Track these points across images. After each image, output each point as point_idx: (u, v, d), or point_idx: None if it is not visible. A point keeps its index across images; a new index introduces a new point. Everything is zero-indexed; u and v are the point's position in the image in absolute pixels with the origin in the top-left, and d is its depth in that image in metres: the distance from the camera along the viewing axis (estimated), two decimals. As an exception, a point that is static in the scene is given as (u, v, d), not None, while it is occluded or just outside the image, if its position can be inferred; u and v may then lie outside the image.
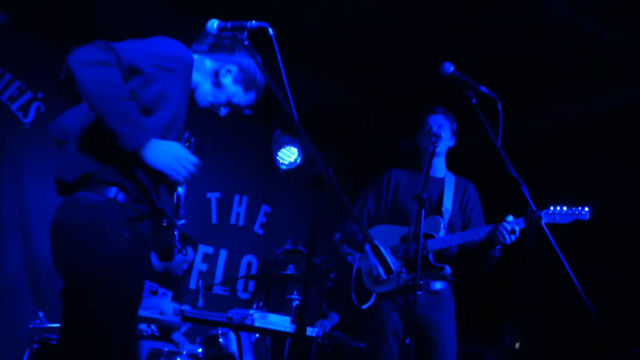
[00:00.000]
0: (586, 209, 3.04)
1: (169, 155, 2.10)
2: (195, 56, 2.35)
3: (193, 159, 2.16)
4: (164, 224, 2.18)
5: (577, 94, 5.34)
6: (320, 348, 4.66)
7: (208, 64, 2.38)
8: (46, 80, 5.15)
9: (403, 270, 3.13)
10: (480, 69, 3.13)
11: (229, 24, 2.30)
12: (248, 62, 2.39)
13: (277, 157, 6.39)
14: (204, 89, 2.38)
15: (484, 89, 2.73)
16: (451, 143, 3.52)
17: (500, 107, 2.72)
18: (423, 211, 2.82)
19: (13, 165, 4.96)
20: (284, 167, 6.44)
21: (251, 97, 2.46)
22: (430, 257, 3.29)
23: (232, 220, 6.36)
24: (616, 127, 5.19)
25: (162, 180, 2.19)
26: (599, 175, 5.14)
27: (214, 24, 2.31)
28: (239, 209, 6.40)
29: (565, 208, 3.05)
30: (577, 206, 3.06)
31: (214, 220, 6.22)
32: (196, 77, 2.35)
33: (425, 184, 2.97)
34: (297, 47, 3.67)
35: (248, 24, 2.27)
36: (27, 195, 4.94)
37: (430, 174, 3.26)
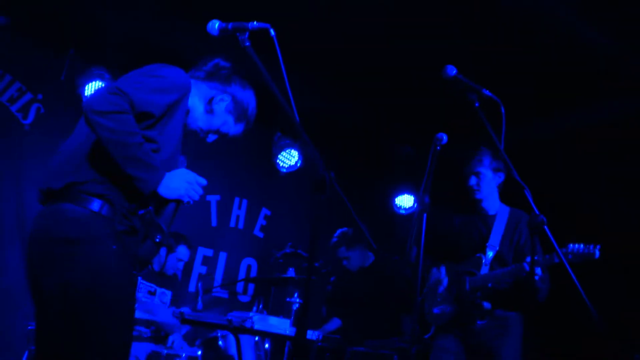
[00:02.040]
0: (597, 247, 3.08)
1: (182, 183, 2.24)
2: (192, 81, 2.44)
3: (201, 180, 2.32)
4: (157, 239, 2.23)
5: (581, 103, 5.31)
6: (319, 351, 4.64)
7: (203, 90, 2.50)
8: (46, 82, 5.16)
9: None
10: (482, 75, 3.10)
11: (230, 25, 2.28)
12: (242, 94, 2.54)
13: (278, 160, 6.38)
14: (197, 113, 2.48)
15: (487, 92, 2.71)
16: (499, 179, 3.60)
17: (503, 110, 2.70)
18: (425, 215, 2.82)
19: (12, 167, 4.95)
20: (284, 170, 6.43)
21: (240, 128, 2.59)
22: (476, 296, 3.42)
23: (232, 223, 6.34)
24: (619, 135, 5.17)
25: (157, 197, 2.22)
26: (602, 181, 5.12)
27: (215, 24, 2.29)
28: (239, 211, 6.38)
29: (576, 247, 3.11)
30: (587, 244, 3.10)
31: (213, 223, 6.20)
32: (191, 101, 2.44)
33: (427, 187, 2.96)
34: (297, 52, 3.65)
35: (250, 25, 2.25)
36: (25, 198, 4.92)
37: (483, 212, 3.61)
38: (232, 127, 2.57)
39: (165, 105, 2.25)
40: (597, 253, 3.06)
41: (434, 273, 3.56)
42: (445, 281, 3.51)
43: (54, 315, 2.06)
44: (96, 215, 2.13)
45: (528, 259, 3.17)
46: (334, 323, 5.27)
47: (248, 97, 2.57)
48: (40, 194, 2.24)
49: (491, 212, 3.62)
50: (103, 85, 5.06)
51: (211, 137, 2.58)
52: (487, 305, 3.40)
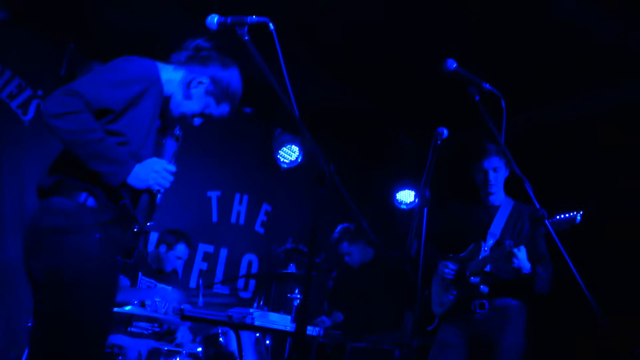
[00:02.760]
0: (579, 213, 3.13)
1: (150, 173, 2.29)
2: (171, 67, 2.50)
3: (171, 168, 2.37)
4: (135, 230, 2.31)
5: (582, 91, 5.28)
6: (320, 347, 4.64)
7: (182, 75, 2.50)
8: (46, 78, 5.14)
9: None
10: (482, 65, 3.09)
11: (229, 19, 2.27)
12: (222, 74, 2.52)
13: (278, 156, 6.37)
14: (177, 100, 2.50)
15: (487, 85, 2.71)
16: (507, 173, 3.65)
17: (503, 104, 2.70)
18: (425, 209, 2.83)
19: (13, 162, 4.94)
20: (285, 166, 6.42)
21: (224, 108, 2.56)
22: (472, 278, 3.45)
23: (233, 219, 6.34)
24: (621, 124, 5.15)
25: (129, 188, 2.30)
26: (602, 172, 5.10)
27: (214, 19, 2.29)
28: (239, 207, 6.38)
29: (559, 217, 3.17)
30: (570, 212, 3.15)
31: (214, 219, 6.20)
32: (171, 87, 2.48)
33: (428, 181, 2.97)
34: (296, 44, 3.64)
35: (248, 19, 2.25)
36: (27, 193, 4.91)
37: (487, 203, 3.66)
38: (215, 109, 2.54)
39: (127, 99, 2.28)
40: (579, 218, 3.10)
41: (441, 265, 3.57)
42: (449, 271, 3.52)
43: (42, 298, 2.22)
44: (81, 207, 2.23)
45: (506, 241, 3.28)
46: (337, 317, 5.27)
47: (229, 76, 2.53)
48: (37, 192, 2.36)
49: (496, 203, 3.67)
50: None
51: (197, 121, 2.57)
52: (483, 288, 3.41)
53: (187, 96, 2.49)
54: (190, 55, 2.52)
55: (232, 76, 2.54)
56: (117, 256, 2.33)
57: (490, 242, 3.52)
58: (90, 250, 2.20)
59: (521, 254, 3.25)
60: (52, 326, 2.18)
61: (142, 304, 4.17)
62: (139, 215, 2.32)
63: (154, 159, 2.34)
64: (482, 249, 3.49)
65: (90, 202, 2.24)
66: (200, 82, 2.48)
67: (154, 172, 2.30)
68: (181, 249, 4.80)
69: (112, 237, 2.28)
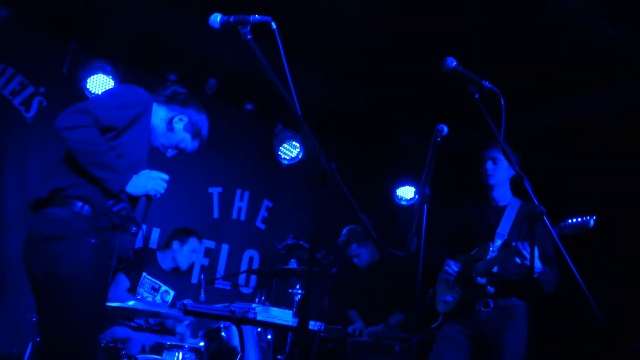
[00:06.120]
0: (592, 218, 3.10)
1: (147, 180, 2.61)
2: (154, 104, 2.84)
3: (164, 176, 2.68)
4: (133, 231, 2.56)
5: (582, 92, 5.29)
6: (322, 342, 4.67)
7: (163, 112, 2.89)
8: (48, 75, 5.17)
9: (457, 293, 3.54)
10: (482, 65, 3.10)
11: (231, 18, 2.30)
12: (197, 116, 2.95)
13: (279, 152, 6.39)
14: (159, 131, 2.87)
15: (486, 83, 2.72)
16: (511, 172, 3.59)
17: (503, 102, 2.71)
18: (425, 206, 2.84)
19: (16, 159, 4.97)
20: (286, 162, 6.44)
21: (195, 144, 3.00)
22: (478, 279, 3.45)
23: (234, 215, 6.37)
24: (620, 124, 5.15)
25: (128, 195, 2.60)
26: (601, 173, 5.11)
27: (216, 18, 2.32)
28: (240, 203, 6.41)
29: (572, 220, 3.13)
30: (582, 216, 3.12)
31: (215, 215, 6.23)
32: (153, 120, 2.84)
33: (428, 178, 2.97)
34: (297, 44, 3.66)
35: (251, 18, 2.28)
36: (29, 190, 4.94)
37: (494, 203, 3.65)
38: (190, 144, 2.95)
39: (128, 118, 2.61)
40: (592, 222, 3.07)
41: (447, 263, 3.58)
42: (454, 270, 3.53)
43: (43, 299, 2.48)
44: (77, 215, 2.48)
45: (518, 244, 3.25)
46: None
47: (202, 120, 2.96)
48: (30, 205, 2.60)
49: (502, 204, 3.65)
50: (105, 79, 5.10)
51: (171, 152, 2.96)
52: (490, 289, 3.42)
53: (170, 129, 2.88)
54: (169, 97, 2.92)
55: (204, 120, 2.98)
56: (111, 261, 2.54)
57: (498, 242, 3.51)
58: (84, 255, 2.44)
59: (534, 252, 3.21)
60: (54, 321, 2.43)
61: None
62: (137, 217, 2.58)
63: (148, 170, 2.65)
64: (490, 249, 3.48)
65: (86, 210, 2.49)
66: (180, 119, 2.89)
67: (150, 178, 2.61)
68: (194, 242, 4.87)
69: (107, 242, 2.52)
